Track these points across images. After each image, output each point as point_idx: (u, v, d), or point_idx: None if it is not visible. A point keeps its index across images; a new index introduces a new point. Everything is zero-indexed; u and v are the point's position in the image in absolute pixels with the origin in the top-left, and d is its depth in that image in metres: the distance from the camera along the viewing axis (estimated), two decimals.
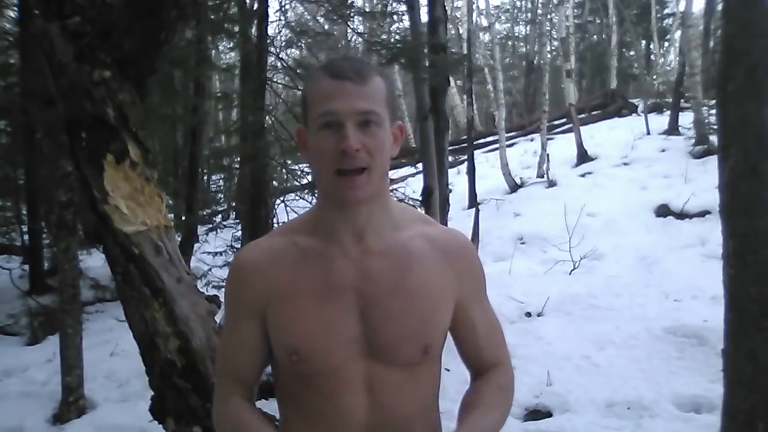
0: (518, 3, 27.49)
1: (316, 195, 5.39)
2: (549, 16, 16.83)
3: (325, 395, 1.05)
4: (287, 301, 1.05)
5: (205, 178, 12.18)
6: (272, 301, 1.06)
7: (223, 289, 1.17)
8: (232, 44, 8.79)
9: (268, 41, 5.22)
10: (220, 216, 10.58)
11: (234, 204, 10.65)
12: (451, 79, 6.75)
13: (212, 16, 6.15)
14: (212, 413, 1.17)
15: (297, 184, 5.98)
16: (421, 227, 1.11)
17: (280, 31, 7.51)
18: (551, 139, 13.17)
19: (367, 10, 10.59)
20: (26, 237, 7.93)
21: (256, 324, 1.08)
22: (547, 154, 11.22)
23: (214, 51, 10.68)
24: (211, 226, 6.97)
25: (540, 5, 19.67)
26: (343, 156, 0.97)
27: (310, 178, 5.70)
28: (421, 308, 1.05)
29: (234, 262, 1.15)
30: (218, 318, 2.44)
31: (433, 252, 1.09)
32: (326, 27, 8.62)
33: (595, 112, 16.41)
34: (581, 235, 7.08)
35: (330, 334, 1.03)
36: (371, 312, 1.04)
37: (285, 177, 5.85)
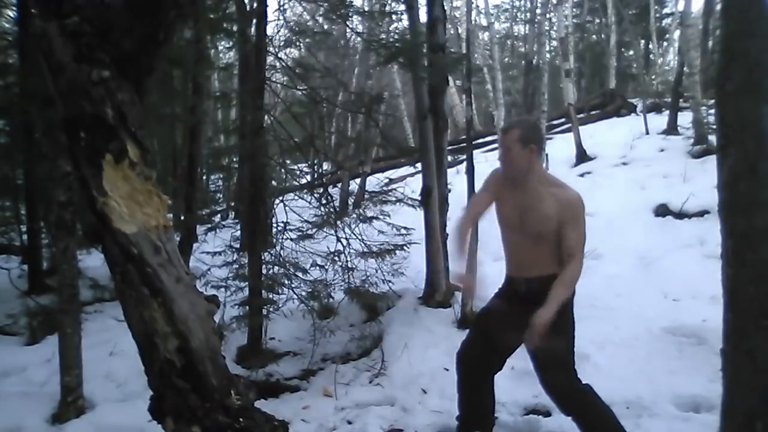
0: (517, 2, 27.53)
1: (315, 194, 5.35)
2: (548, 16, 16.83)
3: (506, 243, 3.02)
4: (500, 198, 2.97)
5: (204, 177, 12.18)
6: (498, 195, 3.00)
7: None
8: (230, 43, 8.80)
9: (267, 41, 5.20)
10: (219, 215, 10.59)
11: (233, 203, 10.66)
12: (450, 78, 6.73)
13: (211, 16, 6.15)
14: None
15: (296, 183, 5.97)
16: (551, 188, 2.87)
17: (278, 31, 7.51)
18: (550, 138, 13.17)
19: (366, 9, 10.57)
20: (25, 237, 7.92)
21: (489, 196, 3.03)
22: (546, 154, 11.20)
23: (212, 50, 10.69)
24: (210, 225, 6.95)
25: (539, 5, 19.67)
26: None
27: (309, 177, 5.69)
28: (541, 216, 2.81)
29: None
30: (217, 318, 2.43)
31: (552, 198, 2.83)
32: (325, 26, 8.61)
33: (594, 112, 16.42)
34: None
35: (510, 215, 2.93)
36: (525, 213, 2.87)
37: (284, 177, 5.83)
